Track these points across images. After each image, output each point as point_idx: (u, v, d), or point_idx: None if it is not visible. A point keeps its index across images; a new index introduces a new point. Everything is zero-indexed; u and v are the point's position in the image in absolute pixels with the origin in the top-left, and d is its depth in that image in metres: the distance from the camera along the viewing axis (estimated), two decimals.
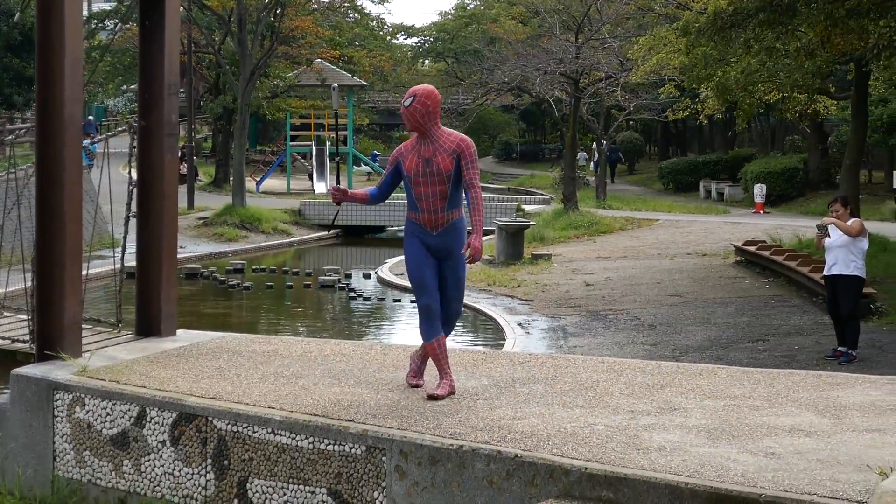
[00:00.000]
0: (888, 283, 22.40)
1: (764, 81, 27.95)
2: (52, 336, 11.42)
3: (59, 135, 11.37)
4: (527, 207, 45.27)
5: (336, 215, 13.49)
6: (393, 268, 30.92)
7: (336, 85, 9.79)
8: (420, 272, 9.74)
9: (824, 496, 7.12)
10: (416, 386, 10.15)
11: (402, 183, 9.79)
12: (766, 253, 26.75)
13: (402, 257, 29.85)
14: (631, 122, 68.00)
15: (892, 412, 9.34)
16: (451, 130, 9.72)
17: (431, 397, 9.66)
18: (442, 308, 9.84)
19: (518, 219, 35.83)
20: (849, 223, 16.25)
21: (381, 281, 29.46)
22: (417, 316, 10.03)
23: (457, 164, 9.53)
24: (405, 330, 22.89)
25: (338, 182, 10.59)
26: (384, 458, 8.66)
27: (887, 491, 6.76)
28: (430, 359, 10.10)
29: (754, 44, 22.81)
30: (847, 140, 29.15)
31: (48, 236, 11.49)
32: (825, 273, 16.82)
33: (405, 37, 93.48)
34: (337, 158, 11.20)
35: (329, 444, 8.93)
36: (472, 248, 9.59)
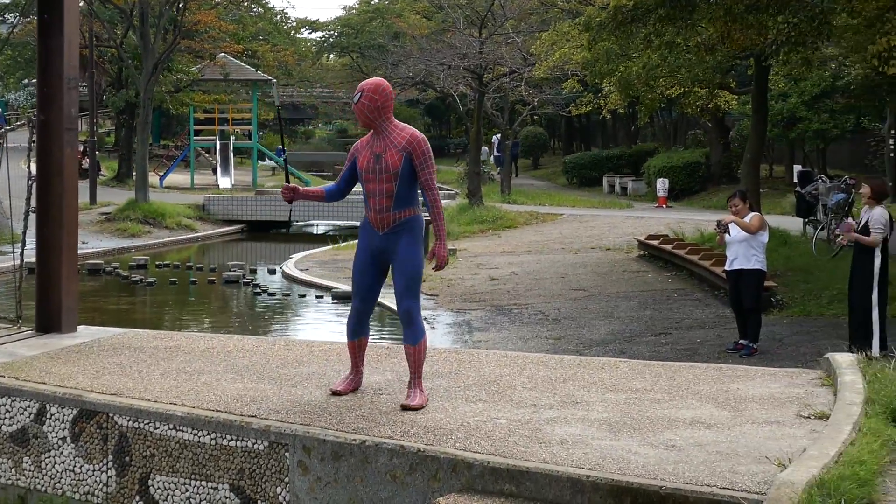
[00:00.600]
0: (789, 276, 22.67)
1: (665, 76, 28.17)
2: None
3: None
4: None
5: (291, 213, 13.26)
6: (298, 263, 30.81)
7: (275, 80, 9.70)
8: (356, 273, 9.58)
9: (724, 488, 7.20)
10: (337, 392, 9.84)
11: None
12: (669, 247, 26.97)
13: (309, 252, 29.49)
14: (535, 117, 68.32)
15: (791, 404, 9.46)
16: (404, 126, 9.35)
17: (334, 392, 9.66)
18: (397, 307, 9.53)
19: (423, 214, 35.76)
20: (748, 218, 16.44)
21: (286, 276, 29.34)
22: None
23: (408, 163, 9.16)
24: (310, 325, 22.82)
25: (286, 180, 10.21)
26: (287, 454, 8.64)
27: (785, 482, 6.84)
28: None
29: (655, 39, 22.97)
30: (748, 134, 29.43)
31: None
32: (727, 268, 17.00)
33: (309, 31, 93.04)
34: (283, 156, 11.01)
35: (231, 439, 8.90)
36: (437, 258, 9.37)
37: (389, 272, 9.57)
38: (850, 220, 15.43)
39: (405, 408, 9.13)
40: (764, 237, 16.60)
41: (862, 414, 8.50)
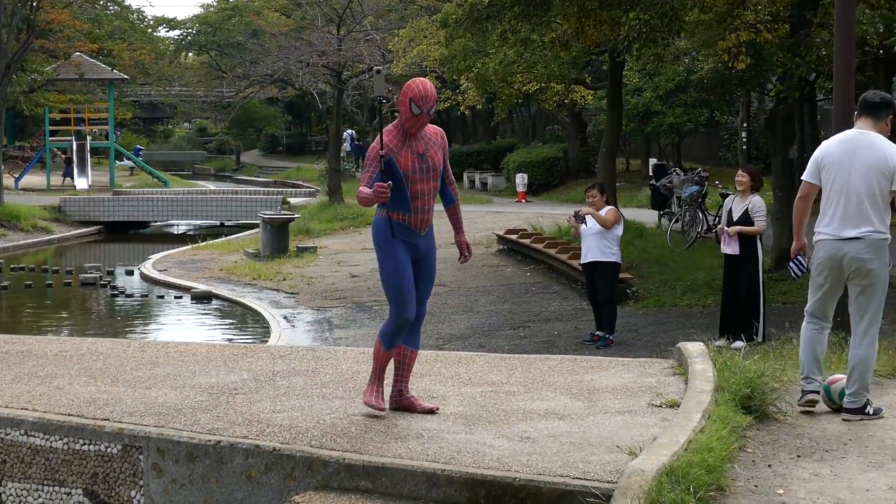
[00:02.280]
0: (644, 267, 22.99)
1: (522, 72, 28.38)
2: None
3: None
4: (292, 200, 45.20)
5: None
6: (157, 264, 30.50)
7: (380, 68, 9.28)
8: (402, 280, 8.70)
9: (576, 478, 7.28)
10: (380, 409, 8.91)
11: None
12: (527, 241, 27.18)
13: (168, 252, 28.99)
14: (395, 114, 68.27)
15: (643, 393, 9.60)
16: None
17: (372, 406, 8.85)
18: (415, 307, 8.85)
19: (283, 212, 35.70)
20: (604, 211, 16.63)
21: (144, 277, 29.03)
22: (388, 324, 8.83)
23: (443, 158, 8.83)
24: (168, 327, 22.63)
25: (381, 177, 9.01)
26: (141, 457, 8.55)
27: (636, 470, 6.94)
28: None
29: (510, 36, 23.14)
30: (604, 129, 29.77)
31: None
32: (582, 261, 17.21)
33: (167, 29, 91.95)
34: (383, 153, 10.21)
35: (84, 444, 8.78)
36: (468, 249, 9.19)
37: None
38: (723, 228, 15.54)
39: (430, 411, 8.89)
40: (618, 230, 16.82)
41: (712, 402, 8.65)
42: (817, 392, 9.03)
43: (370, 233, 9.25)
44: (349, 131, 64.47)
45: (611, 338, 16.82)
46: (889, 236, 8.93)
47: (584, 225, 16.69)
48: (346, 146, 65.95)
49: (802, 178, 9.21)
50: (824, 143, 9.25)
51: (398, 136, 8.65)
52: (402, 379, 9.01)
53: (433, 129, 8.77)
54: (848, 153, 8.92)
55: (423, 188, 8.65)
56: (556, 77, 29.83)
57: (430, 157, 8.66)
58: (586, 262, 16.98)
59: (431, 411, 8.86)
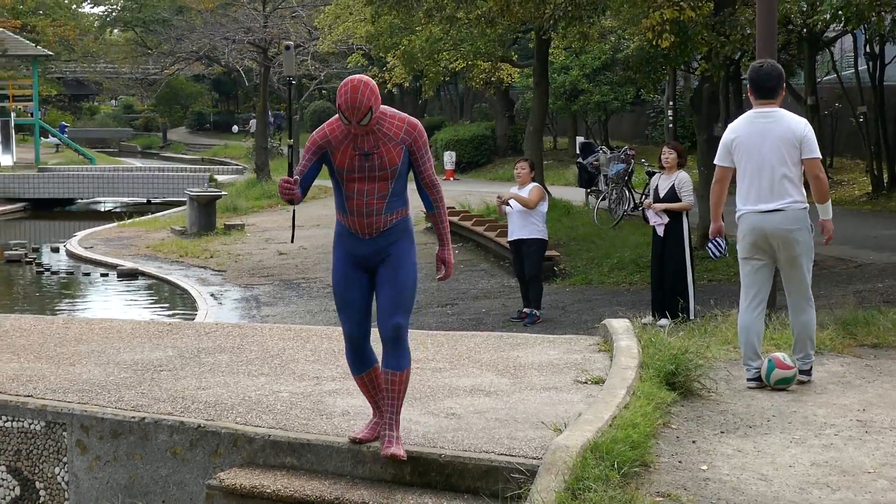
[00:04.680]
0: (571, 245, 23.07)
1: (448, 50, 28.39)
2: None
3: None
4: (220, 177, 44.98)
5: (294, 227, 9.98)
6: (83, 241, 30.26)
7: (290, 44, 9.07)
8: (342, 290, 7.58)
9: (501, 453, 7.31)
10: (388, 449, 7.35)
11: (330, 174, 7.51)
12: (456, 219, 27.18)
13: (94, 229, 28.68)
14: (323, 92, 68.16)
15: (569, 370, 9.64)
16: (394, 111, 7.43)
17: (353, 441, 7.59)
18: (380, 326, 7.51)
19: (210, 189, 35.51)
20: (527, 190, 16.67)
21: (70, 255, 28.79)
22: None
23: (406, 157, 7.38)
24: (94, 303, 22.47)
25: (289, 171, 8.14)
26: (64, 434, 8.50)
27: (560, 446, 6.98)
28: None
29: (436, 13, 23.13)
30: (532, 107, 29.83)
31: None
32: (509, 238, 17.26)
33: (91, 6, 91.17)
34: (290, 143, 9.98)
35: (7, 420, 8.72)
36: (447, 266, 7.89)
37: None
38: (649, 203, 15.57)
39: (393, 457, 7.28)
40: (543, 208, 16.88)
41: (637, 378, 8.71)
42: (758, 378, 9.15)
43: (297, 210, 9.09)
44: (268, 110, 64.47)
45: (538, 314, 16.87)
46: (808, 205, 9.11)
47: (509, 207, 16.76)
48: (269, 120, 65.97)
49: (715, 162, 9.41)
50: (730, 126, 9.45)
51: (343, 126, 7.32)
52: (385, 407, 7.54)
53: (398, 122, 7.33)
54: (757, 131, 9.14)
55: (363, 188, 7.33)
56: (483, 55, 29.87)
57: (378, 155, 7.28)
58: (512, 239, 17.05)
59: (395, 457, 7.29)
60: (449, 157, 45.05)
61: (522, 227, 16.77)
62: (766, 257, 9.21)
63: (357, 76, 7.24)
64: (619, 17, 23.09)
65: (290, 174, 7.39)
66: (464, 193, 33.36)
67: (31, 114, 56.69)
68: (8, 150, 53.38)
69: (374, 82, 7.23)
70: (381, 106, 7.31)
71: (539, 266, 17.12)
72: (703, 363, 9.11)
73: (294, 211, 8.34)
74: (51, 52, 62.10)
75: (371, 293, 7.61)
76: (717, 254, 10.04)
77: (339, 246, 7.59)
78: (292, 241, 8.76)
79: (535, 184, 17.03)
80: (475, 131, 48.33)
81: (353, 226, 7.45)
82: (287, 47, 8.24)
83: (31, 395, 8.86)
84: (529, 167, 17.08)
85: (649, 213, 15.55)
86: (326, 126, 7.43)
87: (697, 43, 19.53)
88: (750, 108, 9.42)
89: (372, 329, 7.63)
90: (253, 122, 71.50)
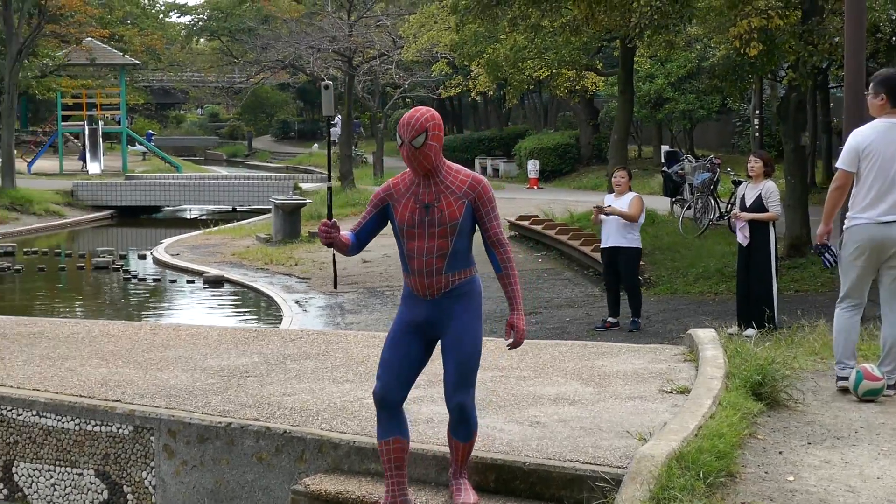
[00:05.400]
0: (656, 254, 22.95)
1: (533, 58, 28.34)
2: None
3: None
4: (304, 185, 45.17)
5: (336, 272, 9.92)
6: (169, 248, 30.53)
7: (329, 83, 8.89)
8: (386, 349, 7.20)
9: (586, 462, 7.29)
10: None
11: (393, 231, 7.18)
12: (539, 227, 27.18)
13: (180, 236, 28.81)
14: (407, 100, 68.34)
15: (654, 379, 9.60)
16: (461, 168, 7.12)
17: None
18: (446, 398, 7.14)
19: (295, 197, 35.71)
20: (628, 199, 16.52)
21: (157, 262, 29.07)
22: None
23: (469, 212, 6.98)
24: (180, 310, 22.66)
25: (329, 213, 7.90)
26: (152, 438, 8.58)
27: (646, 455, 6.94)
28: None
29: (521, 21, 23.11)
30: (616, 116, 29.75)
31: None
32: (602, 245, 17.06)
33: (178, 15, 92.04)
34: (329, 185, 9.56)
35: (96, 425, 8.82)
36: (517, 333, 7.20)
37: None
38: (736, 213, 15.38)
39: None
40: (642, 218, 16.78)
41: (722, 388, 8.64)
42: (847, 378, 9.07)
43: None
44: (340, 116, 64.69)
45: (640, 321, 16.79)
46: None
47: (604, 216, 16.63)
48: (338, 130, 66.28)
49: (839, 166, 9.25)
50: (858, 131, 9.28)
51: (408, 178, 7.10)
52: (451, 460, 7.35)
53: (462, 177, 7.02)
54: (888, 140, 9.02)
55: (424, 246, 6.98)
56: (567, 63, 29.80)
57: (439, 208, 6.94)
58: (607, 246, 16.85)
59: None
60: (532, 166, 45.01)
61: (618, 235, 16.60)
62: (872, 267, 9.13)
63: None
64: (706, 25, 23.02)
65: (329, 216, 7.19)
66: (548, 202, 33.33)
67: (119, 122, 57.34)
68: (96, 159, 54.01)
69: (440, 117, 7.05)
70: (448, 161, 7.09)
71: (636, 274, 17.05)
72: (789, 373, 9.03)
73: (334, 255, 7.85)
74: (138, 62, 62.71)
75: (419, 364, 7.21)
76: (833, 262, 9.92)
77: (402, 307, 7.25)
78: (335, 287, 8.30)
79: (635, 193, 16.84)
80: (559, 140, 48.25)
81: (415, 286, 7.09)
82: (325, 86, 7.74)
83: (120, 400, 8.95)
84: (628, 175, 16.99)
85: (737, 226, 15.39)
86: (391, 180, 7.20)
87: (785, 51, 19.39)
88: (837, 116, 9.33)
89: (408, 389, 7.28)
90: (333, 130, 71.97)
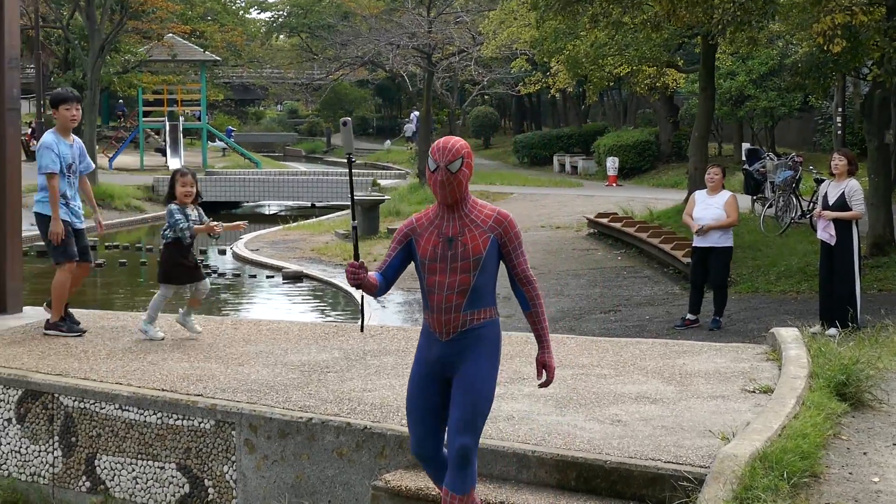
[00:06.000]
0: (737, 252, 22.63)
1: (613, 55, 28.23)
2: None
3: None
4: (382, 182, 45.30)
5: (362, 316, 9.67)
6: (249, 243, 30.70)
7: (348, 119, 8.79)
8: (411, 399, 6.93)
9: (668, 462, 7.25)
10: None
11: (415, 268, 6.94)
12: (618, 225, 27.07)
13: (260, 232, 28.90)
14: (485, 97, 68.41)
15: (736, 379, 9.52)
16: (487, 203, 6.90)
17: None
18: (447, 442, 6.80)
19: (373, 193, 35.80)
20: (722, 200, 16.33)
21: (236, 257, 29.24)
22: None
23: (494, 248, 6.74)
24: (260, 305, 22.78)
25: (356, 254, 6.86)
26: (233, 433, 8.63)
27: (729, 455, 6.89)
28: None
29: (601, 18, 23.00)
30: (696, 113, 29.54)
31: None
32: (696, 244, 16.74)
33: (258, 11, 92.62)
34: (354, 223, 9.17)
35: (178, 419, 8.87)
36: (548, 371, 6.99)
37: None
38: (819, 212, 15.16)
39: None
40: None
41: (806, 388, 8.56)
42: None
43: None
44: (416, 112, 64.91)
45: (721, 320, 16.65)
46: None
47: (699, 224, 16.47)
48: (413, 126, 66.77)
49: None
50: None
51: (432, 212, 6.88)
52: None
53: (488, 212, 6.80)
54: None
55: (445, 281, 6.72)
56: (648, 60, 29.65)
57: (462, 242, 6.71)
58: (701, 245, 16.63)
59: None
60: (612, 163, 44.87)
61: (714, 235, 16.43)
62: None
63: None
64: (788, 22, 22.75)
65: (356, 257, 6.85)
66: (627, 199, 33.22)
67: (199, 118, 57.76)
68: (176, 154, 54.45)
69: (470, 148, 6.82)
70: (473, 197, 6.87)
71: (726, 274, 16.92)
72: (874, 374, 8.94)
73: (363, 297, 7.55)
74: (218, 58, 63.14)
75: (443, 409, 6.86)
76: None
77: (419, 348, 6.98)
78: (362, 331, 7.98)
79: (730, 193, 16.60)
80: (638, 137, 48.04)
81: (432, 324, 6.79)
82: (344, 123, 7.34)
83: (202, 395, 9.01)
84: (723, 173, 16.84)
85: (819, 225, 15.20)
86: (414, 215, 6.99)
87: (869, 48, 19.14)
88: None
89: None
90: (407, 126, 72.26)
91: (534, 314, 6.94)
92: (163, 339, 11.48)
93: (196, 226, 11.60)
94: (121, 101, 68.09)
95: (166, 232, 11.62)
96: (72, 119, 11.72)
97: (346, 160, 7.51)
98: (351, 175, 7.44)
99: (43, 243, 12.13)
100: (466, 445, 6.64)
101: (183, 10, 60.62)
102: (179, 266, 11.64)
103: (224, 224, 11.83)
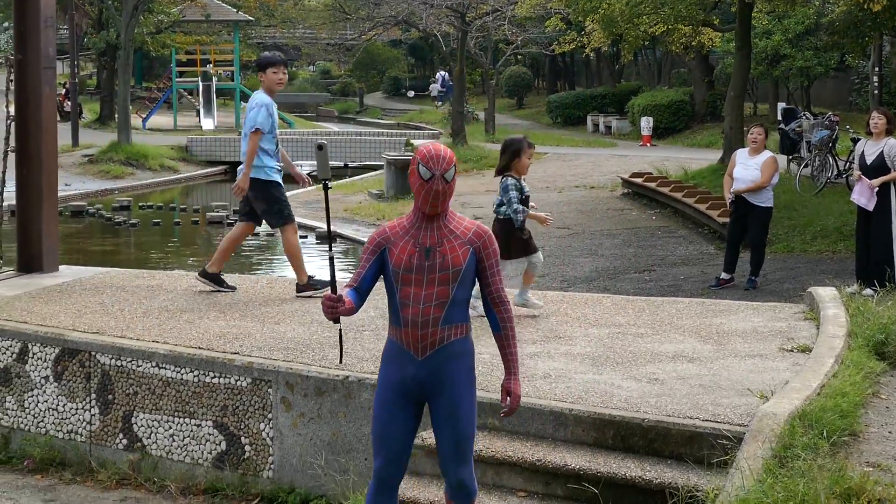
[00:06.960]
0: (773, 213, 22.64)
1: (648, 13, 28.00)
2: None
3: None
4: (416, 142, 45.22)
5: (341, 348, 7.62)
6: None
7: (323, 142, 8.65)
8: (382, 423, 6.55)
9: (706, 420, 7.24)
10: None
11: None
12: (653, 185, 26.96)
13: (292, 192, 28.80)
14: (519, 57, 68.11)
15: (774, 338, 9.49)
16: (465, 217, 6.60)
17: None
18: (443, 472, 6.65)
19: (407, 153, 35.75)
20: (761, 161, 16.16)
21: None
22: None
23: (472, 261, 6.41)
24: None
25: (333, 286, 6.45)
26: (270, 390, 8.65)
27: (767, 413, 6.87)
28: None
29: None
30: (732, 72, 29.35)
31: None
32: (734, 188, 16.46)
33: None
34: (331, 255, 8.96)
35: (214, 376, 8.90)
36: (512, 398, 6.56)
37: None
38: (858, 175, 14.95)
39: None
40: (775, 178, 16.47)
41: (844, 347, 8.53)
42: None
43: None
44: (442, 73, 64.71)
45: (757, 280, 16.56)
46: None
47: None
48: (438, 86, 66.63)
49: None
50: None
51: (406, 222, 6.54)
52: None
53: (467, 224, 6.51)
54: None
55: (419, 293, 6.36)
56: (684, 18, 29.40)
57: (441, 252, 6.37)
58: (739, 190, 16.38)
59: None
60: (646, 123, 44.68)
61: (753, 193, 16.26)
62: None
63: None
64: None
65: (333, 290, 6.43)
66: (661, 159, 33.08)
67: (232, 78, 57.74)
68: (209, 115, 54.51)
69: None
70: (451, 209, 6.53)
71: (765, 233, 16.80)
72: None
73: (340, 330, 7.15)
74: (251, 18, 63.08)
75: (413, 435, 6.61)
76: None
77: (387, 367, 6.54)
78: (340, 362, 7.90)
79: (770, 154, 16.43)
80: (673, 97, 47.79)
81: (405, 340, 6.42)
82: (320, 146, 6.85)
83: (238, 353, 9.03)
84: (765, 133, 16.66)
85: (856, 189, 15.02)
86: (387, 223, 6.64)
87: None
88: None
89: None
90: (433, 87, 72.10)
91: (504, 336, 6.59)
92: (542, 306, 10.98)
93: (531, 212, 10.97)
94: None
95: (501, 208, 10.84)
96: (279, 82, 11.98)
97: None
98: (327, 202, 7.06)
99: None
100: (462, 476, 6.52)
101: None
102: (515, 240, 10.80)
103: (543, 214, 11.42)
